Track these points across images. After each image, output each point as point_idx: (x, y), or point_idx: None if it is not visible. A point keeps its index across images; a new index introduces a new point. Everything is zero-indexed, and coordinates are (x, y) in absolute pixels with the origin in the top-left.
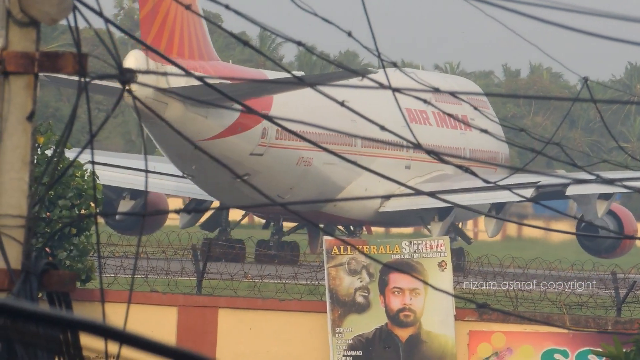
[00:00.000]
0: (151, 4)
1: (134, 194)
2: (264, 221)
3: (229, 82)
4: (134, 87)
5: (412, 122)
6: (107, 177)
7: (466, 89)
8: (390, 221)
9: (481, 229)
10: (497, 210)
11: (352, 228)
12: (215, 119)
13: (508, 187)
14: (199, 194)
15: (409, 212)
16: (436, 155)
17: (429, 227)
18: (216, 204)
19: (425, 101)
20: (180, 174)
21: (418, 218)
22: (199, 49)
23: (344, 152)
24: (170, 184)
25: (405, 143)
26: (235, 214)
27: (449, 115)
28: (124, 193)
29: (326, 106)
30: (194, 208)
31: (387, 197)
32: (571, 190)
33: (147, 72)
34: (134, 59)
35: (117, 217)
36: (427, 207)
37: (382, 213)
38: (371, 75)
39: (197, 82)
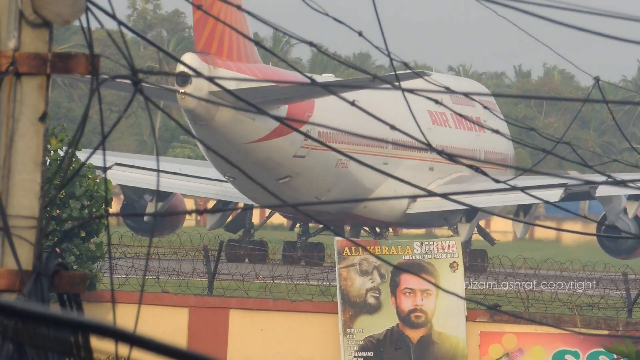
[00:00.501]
0: (205, 5)
1: (161, 195)
2: (278, 223)
3: (272, 84)
4: (188, 90)
5: (434, 124)
6: (130, 178)
7: (476, 91)
8: (416, 222)
9: (493, 230)
10: (525, 212)
11: (377, 229)
12: (262, 121)
13: (521, 189)
14: (226, 195)
15: (434, 213)
16: (448, 156)
17: (454, 227)
18: (233, 203)
19: (436, 102)
20: (206, 176)
21: (442, 219)
22: (245, 51)
23: (376, 153)
24: (196, 186)
25: (417, 144)
26: (258, 216)
27: (463, 116)
28: (144, 194)
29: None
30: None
31: (404, 198)
32: (599, 192)
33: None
34: (188, 62)
35: (145, 218)
36: (453, 209)
37: (409, 214)
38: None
39: (247, 85)
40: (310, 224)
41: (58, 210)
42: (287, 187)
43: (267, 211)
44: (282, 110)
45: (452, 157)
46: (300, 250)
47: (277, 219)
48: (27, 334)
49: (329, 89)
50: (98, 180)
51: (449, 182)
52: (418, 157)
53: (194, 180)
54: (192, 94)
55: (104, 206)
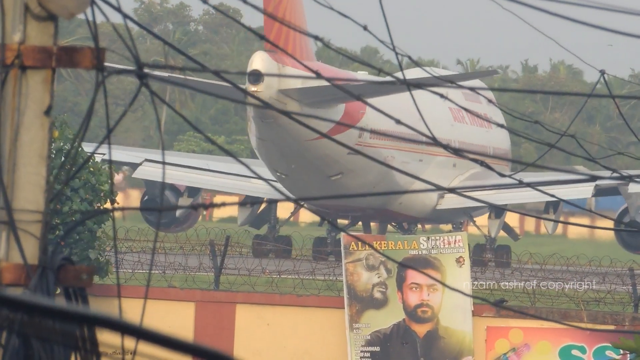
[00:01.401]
0: (274, 3)
1: (192, 191)
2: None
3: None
4: (258, 88)
5: (456, 121)
6: (159, 174)
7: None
8: (443, 218)
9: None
10: (555, 209)
11: (405, 225)
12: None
13: (531, 186)
14: (252, 191)
15: (459, 210)
16: (453, 150)
17: (460, 224)
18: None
19: (442, 96)
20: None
21: (467, 215)
22: (305, 50)
23: (415, 150)
24: (222, 182)
25: (423, 139)
26: (283, 212)
27: (474, 114)
28: (166, 190)
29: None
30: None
31: (401, 193)
32: (630, 188)
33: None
34: (260, 60)
35: (178, 213)
36: (480, 205)
37: (438, 210)
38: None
39: (312, 83)
40: (339, 220)
41: (58, 205)
42: (338, 184)
43: (293, 207)
44: (340, 109)
45: (457, 152)
46: (331, 246)
47: (304, 215)
48: (33, 327)
49: (391, 88)
50: (97, 172)
51: (468, 178)
52: (445, 154)
53: (220, 176)
54: (263, 92)
55: (109, 200)
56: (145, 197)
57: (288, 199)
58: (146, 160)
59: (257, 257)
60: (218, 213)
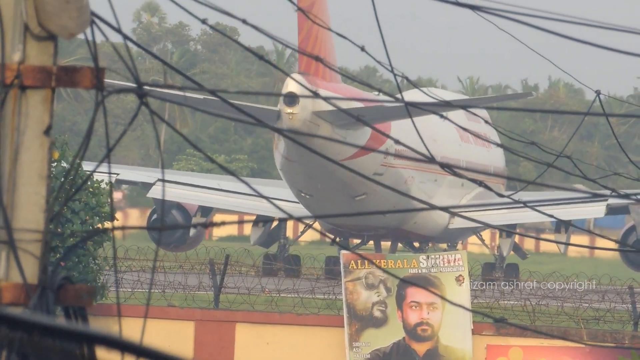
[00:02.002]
0: (306, 29)
1: (205, 210)
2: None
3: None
4: (294, 110)
5: (462, 141)
6: (171, 194)
7: (473, 110)
8: (452, 237)
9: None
10: (566, 228)
11: (415, 244)
12: (353, 140)
13: (529, 207)
14: (264, 210)
15: (468, 229)
16: (450, 169)
17: (484, 242)
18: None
19: (442, 116)
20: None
21: (476, 234)
22: (334, 72)
23: (431, 170)
24: (235, 201)
25: (455, 161)
26: (292, 231)
27: (474, 134)
28: (172, 209)
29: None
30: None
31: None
32: (634, 206)
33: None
34: (295, 83)
35: (191, 232)
36: (491, 224)
37: (449, 230)
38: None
39: (342, 105)
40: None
41: (59, 229)
42: (361, 204)
43: (302, 226)
44: (368, 130)
45: (454, 172)
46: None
47: (311, 234)
48: (33, 346)
49: (424, 108)
50: (97, 192)
51: (475, 197)
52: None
53: (232, 196)
54: (299, 114)
55: (109, 219)
56: (154, 216)
57: (296, 218)
58: (159, 180)
59: (267, 276)
60: (218, 232)
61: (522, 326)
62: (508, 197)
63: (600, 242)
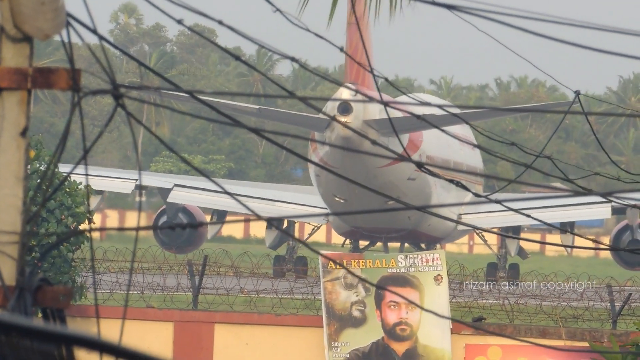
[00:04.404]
0: (355, 38)
1: (220, 214)
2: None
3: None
4: (348, 118)
5: (461, 144)
6: (189, 198)
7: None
8: (455, 237)
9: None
10: (571, 228)
11: (422, 245)
12: (392, 147)
13: (512, 210)
14: (277, 213)
15: (471, 229)
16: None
17: (487, 243)
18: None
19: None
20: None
21: (478, 235)
22: (372, 84)
23: (459, 177)
24: (251, 206)
25: (472, 167)
26: (303, 233)
27: (463, 140)
28: (179, 213)
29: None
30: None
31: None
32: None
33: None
34: (348, 92)
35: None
36: (498, 226)
37: (456, 231)
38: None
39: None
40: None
41: (35, 227)
42: (392, 208)
43: (310, 228)
44: (405, 137)
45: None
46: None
47: (319, 235)
48: (11, 348)
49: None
50: (73, 193)
51: (472, 197)
52: (461, 177)
53: (246, 200)
54: (352, 123)
55: (86, 220)
56: (162, 218)
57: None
58: (176, 185)
59: (277, 277)
60: (225, 232)
61: (496, 332)
62: (499, 202)
63: (579, 241)
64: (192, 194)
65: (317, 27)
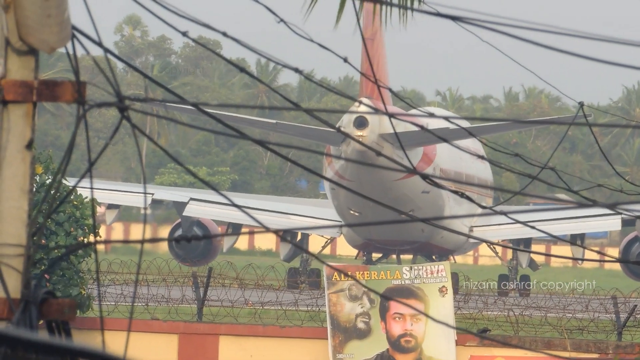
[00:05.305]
0: (370, 52)
1: (235, 227)
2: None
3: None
4: (364, 132)
5: (474, 157)
6: (204, 212)
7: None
8: (466, 249)
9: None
10: (582, 240)
11: (434, 257)
12: (407, 160)
13: (517, 222)
14: (289, 226)
15: (482, 242)
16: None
17: (498, 255)
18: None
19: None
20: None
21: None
22: (388, 97)
23: (476, 193)
24: (261, 218)
25: (484, 180)
26: (315, 245)
27: (472, 153)
28: (194, 226)
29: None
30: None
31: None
32: None
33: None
34: (364, 107)
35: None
36: (509, 238)
37: (468, 243)
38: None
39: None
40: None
41: (43, 241)
42: (411, 222)
43: (321, 240)
44: (420, 150)
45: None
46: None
47: (330, 248)
48: None
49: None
50: (80, 206)
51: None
52: (471, 189)
53: (261, 214)
54: (367, 136)
55: (92, 233)
56: (177, 231)
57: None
58: (192, 199)
59: (290, 289)
60: (238, 245)
61: (502, 342)
62: (503, 213)
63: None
64: (206, 207)
65: (323, 39)
